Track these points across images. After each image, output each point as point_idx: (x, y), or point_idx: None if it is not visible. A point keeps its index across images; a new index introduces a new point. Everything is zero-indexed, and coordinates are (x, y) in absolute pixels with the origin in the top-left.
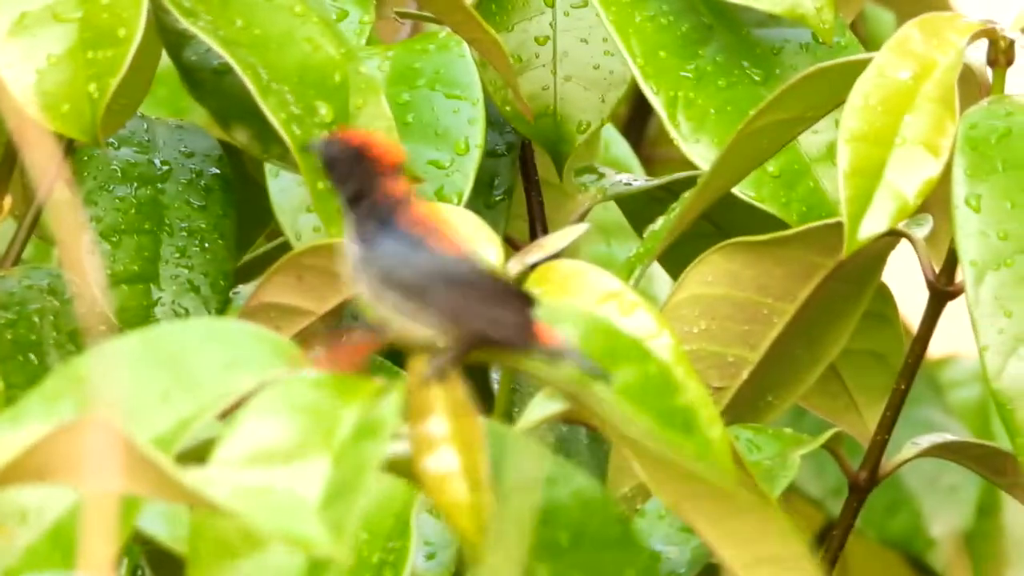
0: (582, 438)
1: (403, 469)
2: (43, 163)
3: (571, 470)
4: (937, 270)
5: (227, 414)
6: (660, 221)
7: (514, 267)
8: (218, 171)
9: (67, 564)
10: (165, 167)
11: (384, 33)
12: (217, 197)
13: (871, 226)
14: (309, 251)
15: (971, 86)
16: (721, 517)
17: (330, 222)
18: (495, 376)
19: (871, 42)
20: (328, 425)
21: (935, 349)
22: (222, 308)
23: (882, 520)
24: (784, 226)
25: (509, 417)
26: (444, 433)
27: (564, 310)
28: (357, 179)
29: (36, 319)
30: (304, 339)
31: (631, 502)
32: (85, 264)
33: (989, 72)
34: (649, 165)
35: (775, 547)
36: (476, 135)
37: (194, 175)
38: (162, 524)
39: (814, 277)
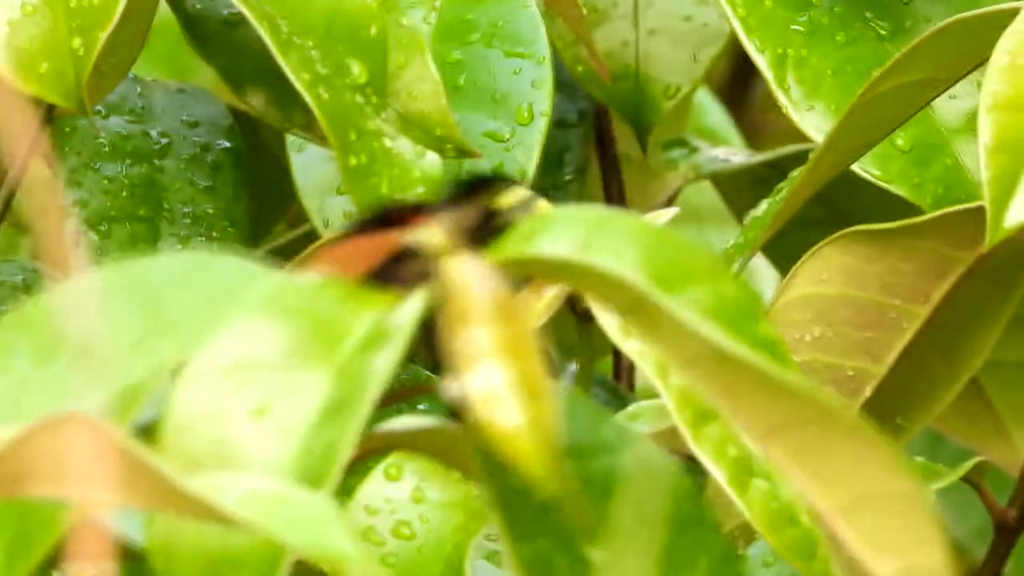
0: None
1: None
2: (16, 135)
3: (633, 434)
4: None
5: None
6: (764, 205)
7: None
8: (228, 144)
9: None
10: (164, 140)
11: None
12: (227, 176)
13: (1020, 212)
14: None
15: None
16: (814, 450)
17: (365, 205)
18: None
19: None
20: (332, 334)
21: None
22: None
23: None
24: (915, 212)
25: None
26: (487, 344)
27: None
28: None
29: None
30: None
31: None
32: (67, 257)
33: None
34: (753, 136)
35: (879, 483)
36: (542, 101)
37: (199, 149)
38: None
39: (951, 274)
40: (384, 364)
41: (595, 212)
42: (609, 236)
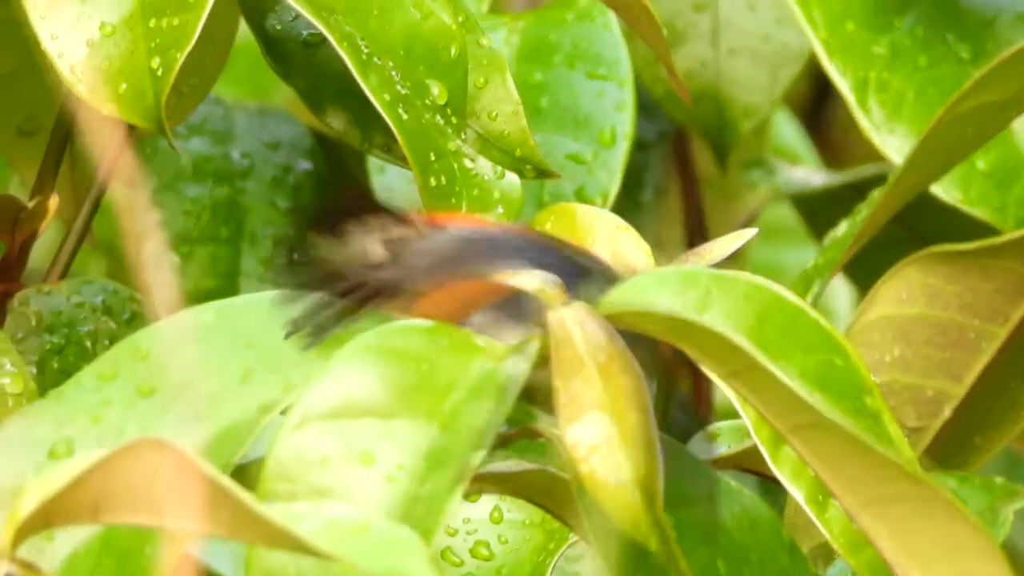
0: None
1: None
2: (97, 155)
3: (733, 485)
4: None
5: None
6: (844, 225)
7: None
8: (309, 166)
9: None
10: (245, 161)
11: None
12: (308, 197)
13: None
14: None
15: None
16: (910, 527)
17: None
18: None
19: None
20: (440, 381)
21: None
22: None
23: None
24: (993, 232)
25: None
26: (594, 396)
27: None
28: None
29: (88, 343)
30: None
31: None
32: (149, 279)
33: None
34: (830, 155)
35: (971, 567)
36: (625, 123)
37: (280, 171)
38: (230, 563)
39: None
40: (493, 416)
41: (712, 272)
42: (725, 296)
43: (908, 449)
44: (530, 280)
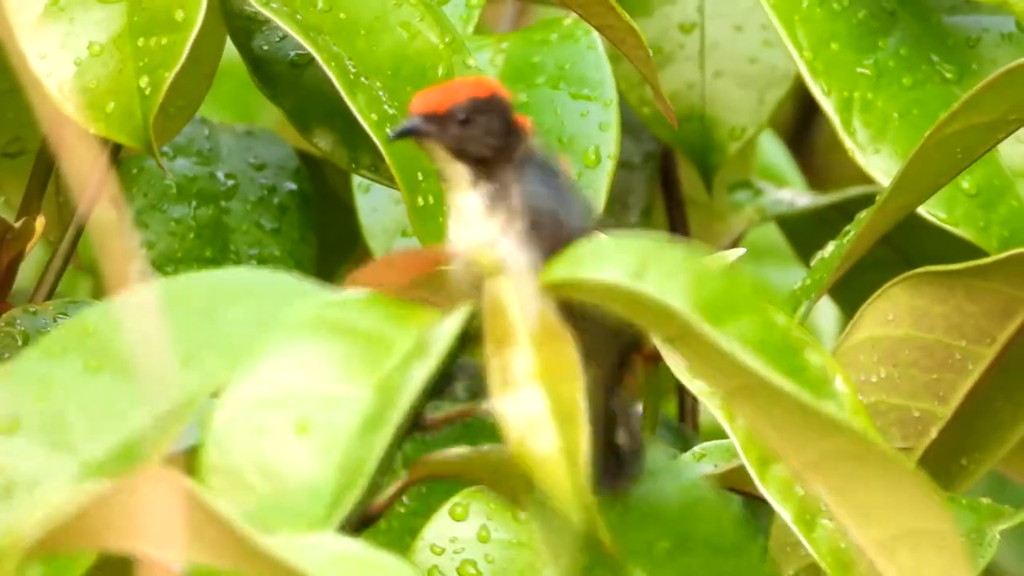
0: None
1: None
2: (83, 175)
3: (677, 463)
4: None
5: None
6: (831, 246)
7: None
8: (295, 186)
9: None
10: (230, 182)
11: (490, 19)
12: (293, 218)
13: None
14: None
15: None
16: (854, 485)
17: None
18: None
19: None
20: (378, 350)
21: None
22: None
23: None
24: (980, 253)
25: None
26: (526, 367)
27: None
28: (502, 131)
29: None
30: None
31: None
32: None
33: None
34: (816, 177)
35: (917, 520)
36: (609, 143)
37: (265, 191)
38: None
39: (1017, 315)
40: (419, 376)
41: (647, 241)
42: (660, 265)
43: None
44: (467, 249)
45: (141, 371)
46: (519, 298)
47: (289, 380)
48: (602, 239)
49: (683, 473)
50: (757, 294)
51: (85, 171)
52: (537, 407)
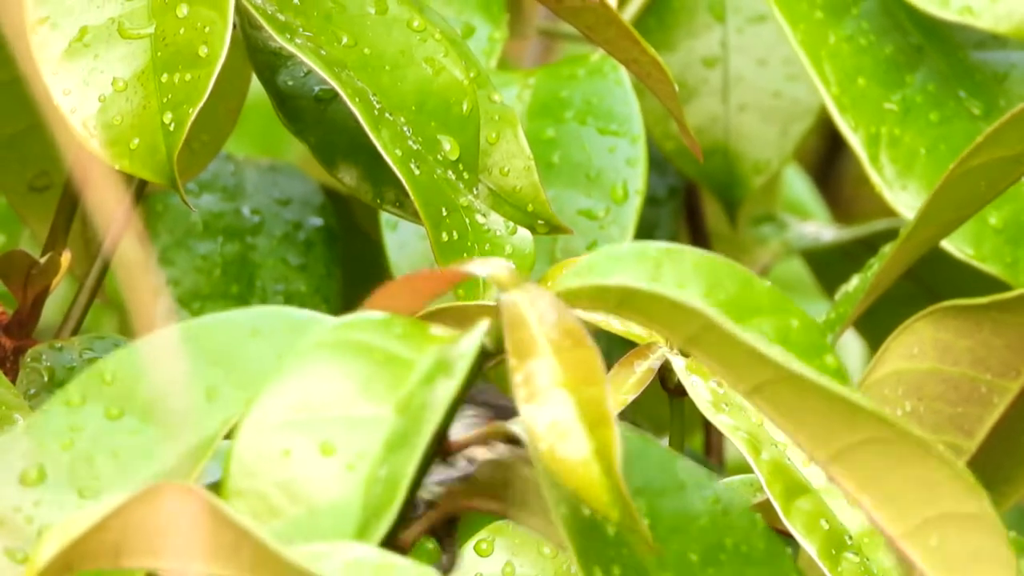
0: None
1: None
2: (108, 212)
3: (704, 475)
4: None
5: None
6: (855, 280)
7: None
8: (320, 222)
9: None
10: (256, 218)
11: (513, 54)
12: (319, 253)
13: None
14: (436, 314)
15: None
16: (882, 471)
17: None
18: None
19: None
20: (396, 369)
21: None
22: None
23: None
24: (1004, 286)
25: None
26: (550, 374)
27: None
28: None
29: None
30: None
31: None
32: None
33: None
34: (841, 210)
35: (949, 504)
36: (636, 179)
37: (291, 227)
38: None
39: None
40: (445, 394)
41: (662, 245)
42: (676, 268)
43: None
44: (480, 266)
45: (163, 412)
46: (537, 308)
47: (309, 401)
48: (614, 247)
49: (710, 484)
50: (776, 295)
51: (111, 206)
52: (565, 413)
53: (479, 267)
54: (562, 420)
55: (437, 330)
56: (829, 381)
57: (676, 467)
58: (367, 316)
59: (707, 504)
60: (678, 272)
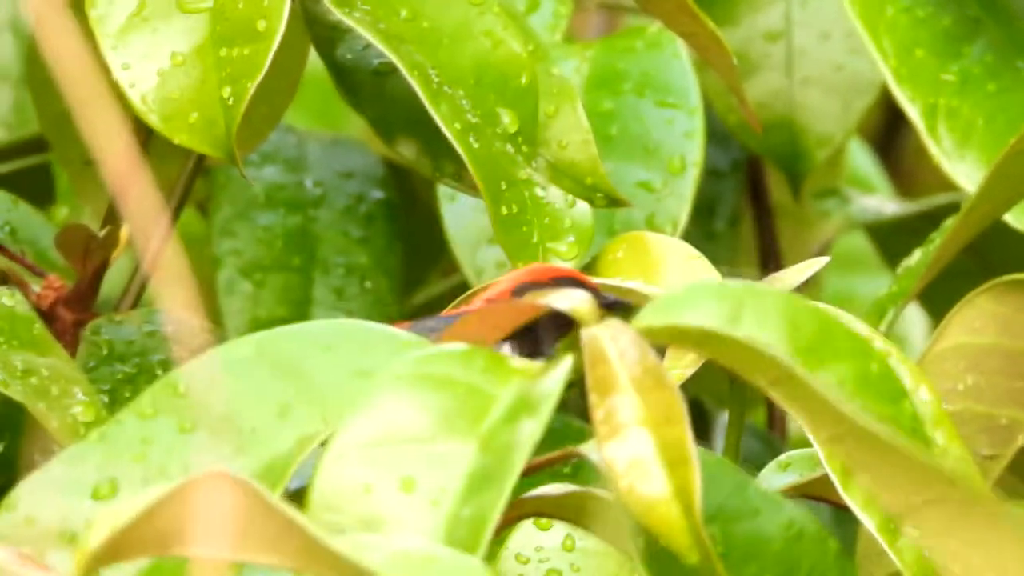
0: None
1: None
2: (168, 184)
3: (778, 499)
4: None
5: None
6: (917, 254)
7: None
8: (382, 195)
9: None
10: (318, 190)
11: (579, 28)
12: (380, 227)
13: None
14: None
15: None
16: (952, 530)
17: (517, 256)
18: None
19: None
20: (477, 404)
21: None
22: None
23: None
24: None
25: None
26: (631, 412)
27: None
28: None
29: (160, 372)
30: None
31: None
32: (221, 307)
33: None
34: (904, 184)
35: (1014, 569)
36: (694, 151)
37: (353, 200)
38: None
39: None
40: (530, 434)
41: (742, 285)
42: (757, 308)
43: (958, 450)
44: (563, 299)
45: (234, 427)
46: (618, 345)
47: (389, 435)
48: (697, 283)
49: (784, 508)
50: (855, 338)
51: (170, 180)
52: (645, 451)
53: (560, 301)
54: (643, 459)
55: (518, 362)
56: (902, 440)
57: (750, 491)
58: (448, 348)
59: (781, 529)
60: (758, 312)
